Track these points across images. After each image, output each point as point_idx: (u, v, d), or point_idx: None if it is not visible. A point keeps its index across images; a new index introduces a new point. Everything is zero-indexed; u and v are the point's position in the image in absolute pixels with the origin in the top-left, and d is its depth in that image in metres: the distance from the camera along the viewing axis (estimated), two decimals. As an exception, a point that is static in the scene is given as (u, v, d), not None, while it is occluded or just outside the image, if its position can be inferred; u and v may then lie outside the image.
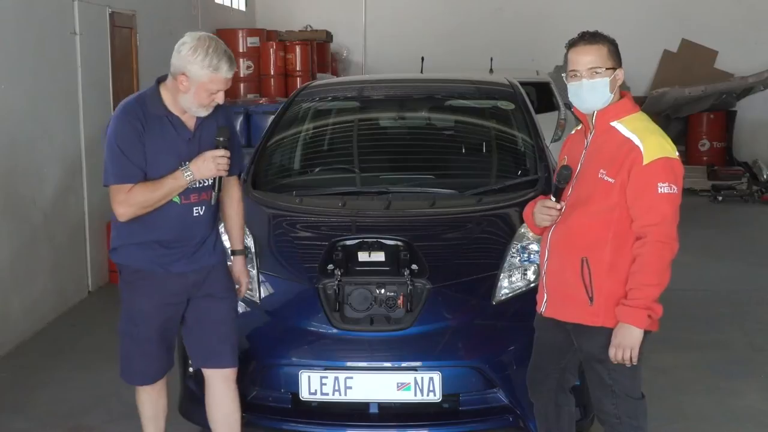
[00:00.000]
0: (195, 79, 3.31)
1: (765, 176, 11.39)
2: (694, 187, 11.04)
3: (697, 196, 10.95)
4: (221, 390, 3.68)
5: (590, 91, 3.18)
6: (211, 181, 3.48)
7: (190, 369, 4.01)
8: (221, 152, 3.43)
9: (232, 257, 3.81)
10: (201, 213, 3.51)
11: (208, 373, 3.69)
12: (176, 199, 3.43)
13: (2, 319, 5.60)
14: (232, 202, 3.77)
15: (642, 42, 13.20)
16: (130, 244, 3.48)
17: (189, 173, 3.38)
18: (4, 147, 5.67)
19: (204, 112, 3.43)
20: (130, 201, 3.34)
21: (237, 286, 3.77)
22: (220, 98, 3.40)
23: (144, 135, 3.35)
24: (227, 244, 3.84)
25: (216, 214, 3.64)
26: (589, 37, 3.20)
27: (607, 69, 3.17)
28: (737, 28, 13.25)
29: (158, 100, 3.42)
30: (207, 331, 3.62)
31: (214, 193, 3.50)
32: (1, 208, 5.64)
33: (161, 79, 3.47)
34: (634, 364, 3.14)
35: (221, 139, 3.46)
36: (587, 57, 3.17)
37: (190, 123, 3.46)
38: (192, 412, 4.05)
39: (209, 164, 3.40)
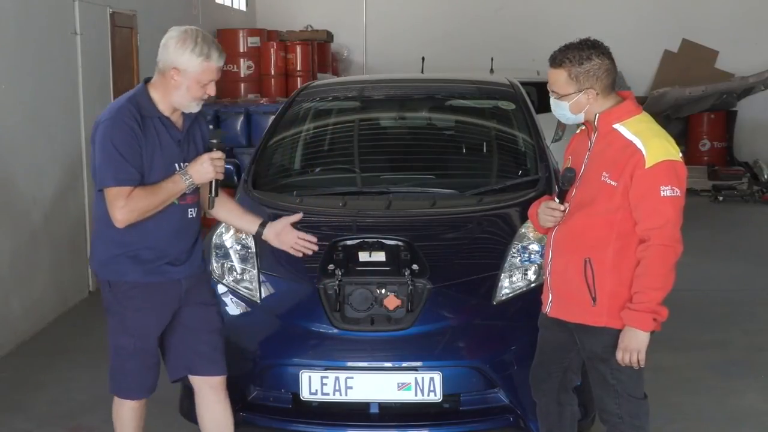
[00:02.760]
0: (187, 72, 3.25)
1: (765, 176, 11.40)
2: (695, 188, 11.04)
3: (698, 196, 10.95)
4: (212, 398, 3.61)
5: (555, 108, 3.26)
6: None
7: None
8: (218, 154, 3.36)
9: (265, 231, 3.61)
10: (194, 215, 3.47)
11: (197, 381, 3.61)
12: (175, 201, 3.36)
13: (2, 319, 5.60)
14: (224, 201, 3.63)
15: (642, 42, 13.21)
16: (122, 255, 3.35)
17: (188, 177, 3.31)
18: (5, 147, 5.67)
19: (196, 107, 3.36)
20: (131, 206, 3.22)
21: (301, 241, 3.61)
22: (211, 90, 3.33)
23: (141, 137, 3.26)
24: (248, 229, 3.70)
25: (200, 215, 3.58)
26: (552, 60, 3.21)
27: (563, 95, 3.19)
28: (737, 28, 13.25)
29: (149, 100, 3.32)
30: (200, 339, 3.54)
31: (210, 198, 3.43)
32: (2, 208, 5.64)
33: (148, 80, 3.40)
34: (642, 367, 3.15)
35: (215, 140, 3.40)
36: (550, 78, 3.23)
37: (179, 124, 3.40)
38: (192, 412, 4.04)
39: (207, 167, 3.33)
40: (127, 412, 3.55)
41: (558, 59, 3.17)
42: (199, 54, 3.24)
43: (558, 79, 3.18)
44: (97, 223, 3.42)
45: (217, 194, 3.45)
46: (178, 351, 3.55)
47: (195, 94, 3.31)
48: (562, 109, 3.23)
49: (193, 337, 3.53)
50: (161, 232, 3.36)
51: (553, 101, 3.26)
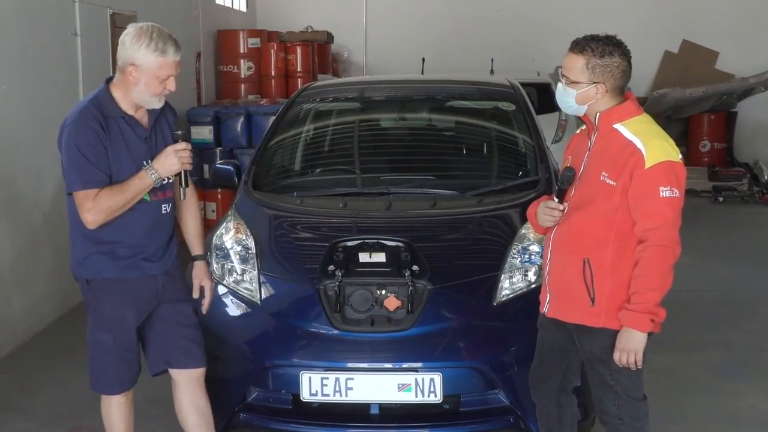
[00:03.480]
0: (144, 67, 3.25)
1: (766, 177, 11.40)
2: (695, 188, 11.05)
3: (698, 197, 10.96)
4: (194, 391, 3.64)
5: (561, 94, 3.25)
6: (171, 179, 3.44)
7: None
8: (182, 145, 3.38)
9: (193, 263, 3.71)
10: (168, 210, 3.49)
11: (178, 375, 3.63)
12: (146, 197, 3.37)
13: (3, 319, 5.60)
14: (188, 206, 3.66)
15: (642, 43, 13.08)
16: (98, 252, 3.37)
17: (153, 172, 3.33)
18: (5, 147, 5.68)
19: (158, 103, 3.36)
20: (99, 207, 3.25)
21: (199, 294, 3.67)
22: (171, 85, 3.33)
23: (104, 138, 3.28)
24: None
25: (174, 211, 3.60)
26: (574, 45, 3.21)
27: (573, 82, 3.17)
28: (738, 29, 13.25)
29: (111, 100, 3.34)
30: (178, 332, 3.57)
31: (182, 189, 3.46)
32: (2, 209, 5.64)
33: (109, 80, 3.40)
34: (639, 367, 3.15)
35: (179, 132, 3.42)
36: (567, 63, 3.21)
37: (144, 121, 3.41)
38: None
39: (172, 159, 3.34)
40: (115, 407, 3.60)
41: (581, 45, 3.17)
42: (155, 49, 3.25)
43: (574, 65, 3.18)
44: (71, 224, 3.43)
45: (187, 185, 3.48)
46: (157, 345, 3.59)
47: (154, 90, 3.31)
48: (567, 96, 3.22)
49: (170, 331, 3.57)
50: (136, 229, 3.38)
51: (560, 87, 3.24)
